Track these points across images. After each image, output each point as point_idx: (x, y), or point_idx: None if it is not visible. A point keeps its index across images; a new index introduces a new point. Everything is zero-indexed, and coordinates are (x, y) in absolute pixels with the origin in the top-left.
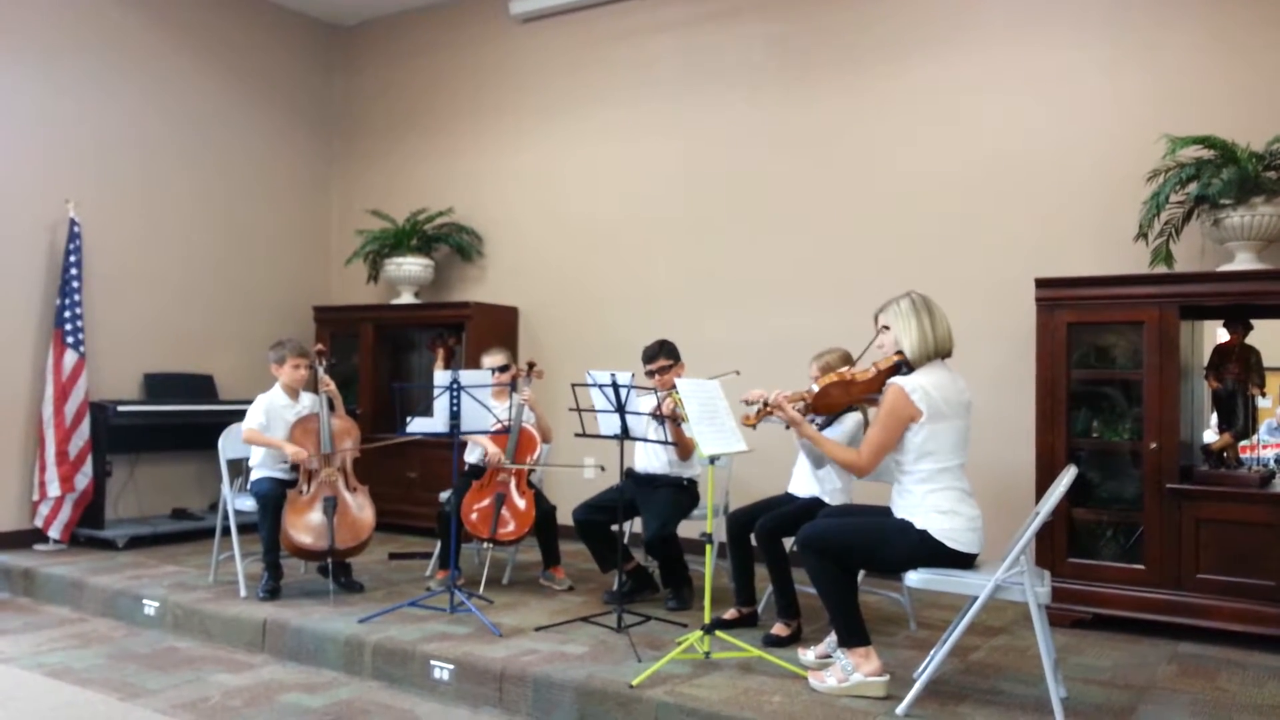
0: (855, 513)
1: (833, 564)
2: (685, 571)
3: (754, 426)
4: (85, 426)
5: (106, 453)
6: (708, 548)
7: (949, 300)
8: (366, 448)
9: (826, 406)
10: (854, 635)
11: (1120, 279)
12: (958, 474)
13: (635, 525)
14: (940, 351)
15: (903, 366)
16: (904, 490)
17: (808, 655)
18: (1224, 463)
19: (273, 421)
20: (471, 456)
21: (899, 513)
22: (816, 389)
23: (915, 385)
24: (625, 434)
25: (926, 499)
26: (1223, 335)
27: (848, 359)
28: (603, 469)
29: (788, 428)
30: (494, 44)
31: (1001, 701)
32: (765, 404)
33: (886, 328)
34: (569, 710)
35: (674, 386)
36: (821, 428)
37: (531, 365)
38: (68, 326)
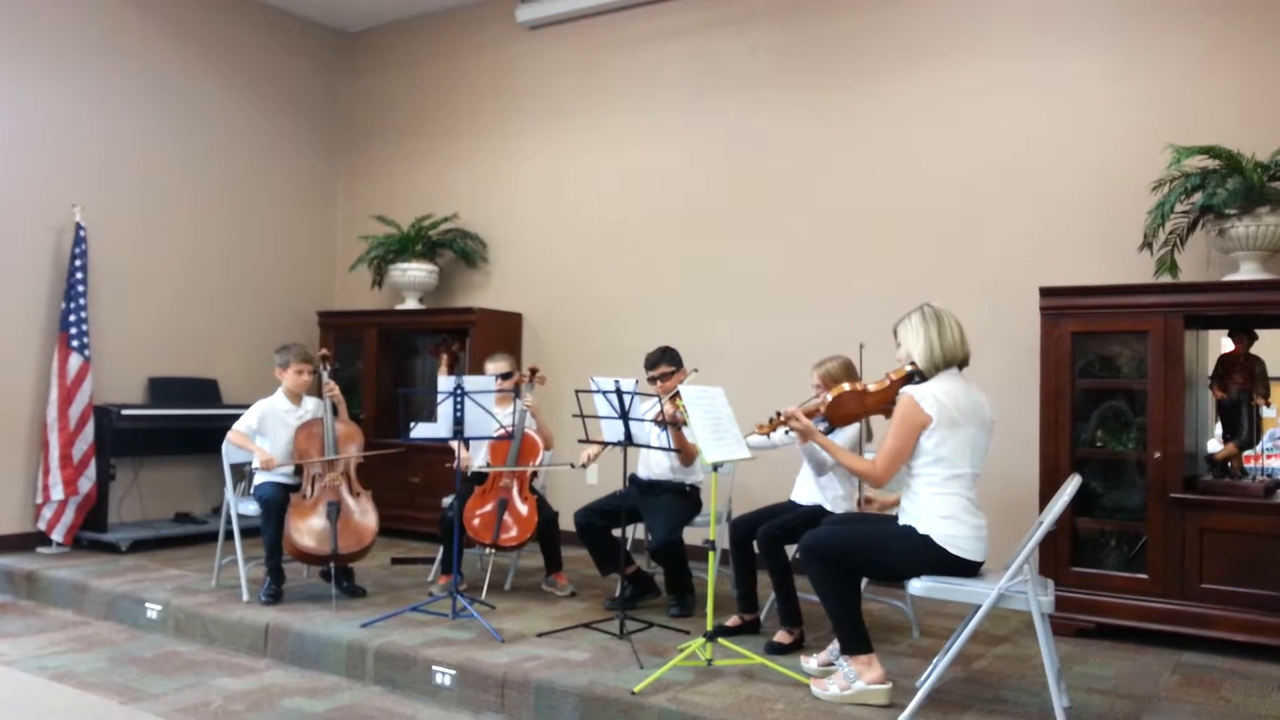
0: (859, 520)
1: (835, 570)
2: (688, 578)
3: (768, 435)
4: (89, 430)
5: (110, 456)
6: (710, 554)
7: (952, 307)
8: (370, 455)
9: (841, 417)
10: (857, 643)
11: (1125, 288)
12: (968, 483)
13: (636, 531)
14: (950, 360)
15: (915, 376)
16: (911, 494)
17: (810, 663)
18: (1228, 472)
19: (271, 426)
20: (475, 461)
21: (904, 518)
22: (830, 398)
23: (925, 393)
24: (629, 440)
25: (931, 503)
26: (1227, 345)
27: (849, 367)
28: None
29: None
30: (499, 51)
31: (1004, 711)
32: (779, 414)
33: (900, 343)
34: (571, 716)
35: (677, 393)
36: None
37: (534, 371)
38: (73, 330)
